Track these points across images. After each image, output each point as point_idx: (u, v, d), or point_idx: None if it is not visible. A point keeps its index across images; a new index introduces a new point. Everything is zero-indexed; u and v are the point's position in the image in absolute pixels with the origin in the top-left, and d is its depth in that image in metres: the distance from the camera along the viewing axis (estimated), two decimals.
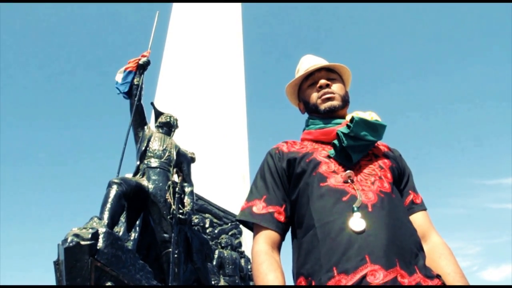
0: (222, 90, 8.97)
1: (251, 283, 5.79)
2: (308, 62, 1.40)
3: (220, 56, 9.59)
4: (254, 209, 1.16)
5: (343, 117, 1.29)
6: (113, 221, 3.23)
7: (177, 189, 4.14)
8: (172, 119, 4.81)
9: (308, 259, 1.02)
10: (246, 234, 6.51)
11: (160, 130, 4.66)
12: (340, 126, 1.23)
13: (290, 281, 1.07)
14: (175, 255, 3.78)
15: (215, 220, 6.21)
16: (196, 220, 5.57)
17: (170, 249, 3.78)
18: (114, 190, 3.41)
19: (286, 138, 1.33)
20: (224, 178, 7.44)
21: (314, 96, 1.32)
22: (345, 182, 1.10)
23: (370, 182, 1.11)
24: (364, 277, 0.91)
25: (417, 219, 1.20)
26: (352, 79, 1.44)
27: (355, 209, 1.02)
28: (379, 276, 0.90)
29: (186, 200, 4.22)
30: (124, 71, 4.66)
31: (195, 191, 4.55)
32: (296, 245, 1.12)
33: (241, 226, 6.00)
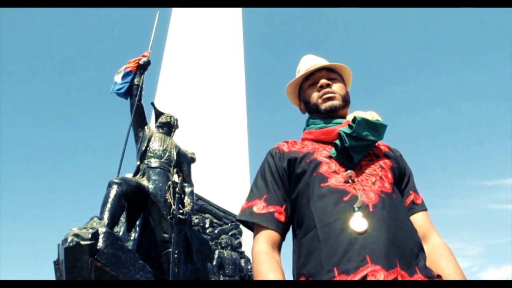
0: (222, 91, 8.99)
1: None
2: (309, 62, 1.40)
3: (220, 57, 9.60)
4: (255, 209, 1.16)
5: (344, 117, 1.29)
6: (113, 221, 3.23)
7: (177, 189, 4.14)
8: (172, 119, 4.81)
9: (309, 259, 1.02)
10: (246, 234, 6.50)
11: (161, 130, 4.66)
12: (341, 126, 1.22)
13: None
14: (175, 255, 3.77)
15: (215, 220, 6.20)
16: (196, 220, 5.56)
17: (170, 249, 3.77)
18: (114, 190, 3.41)
19: (286, 139, 1.32)
20: (224, 178, 7.44)
21: (315, 96, 1.32)
22: (346, 182, 1.09)
23: (371, 182, 1.10)
24: (364, 277, 0.90)
25: (417, 219, 1.19)
26: (353, 79, 1.44)
27: (356, 209, 1.02)
28: (380, 277, 0.90)
29: (186, 200, 4.21)
30: (124, 71, 4.66)
31: (195, 191, 4.55)
32: (297, 246, 1.12)
33: (241, 226, 6.00)
